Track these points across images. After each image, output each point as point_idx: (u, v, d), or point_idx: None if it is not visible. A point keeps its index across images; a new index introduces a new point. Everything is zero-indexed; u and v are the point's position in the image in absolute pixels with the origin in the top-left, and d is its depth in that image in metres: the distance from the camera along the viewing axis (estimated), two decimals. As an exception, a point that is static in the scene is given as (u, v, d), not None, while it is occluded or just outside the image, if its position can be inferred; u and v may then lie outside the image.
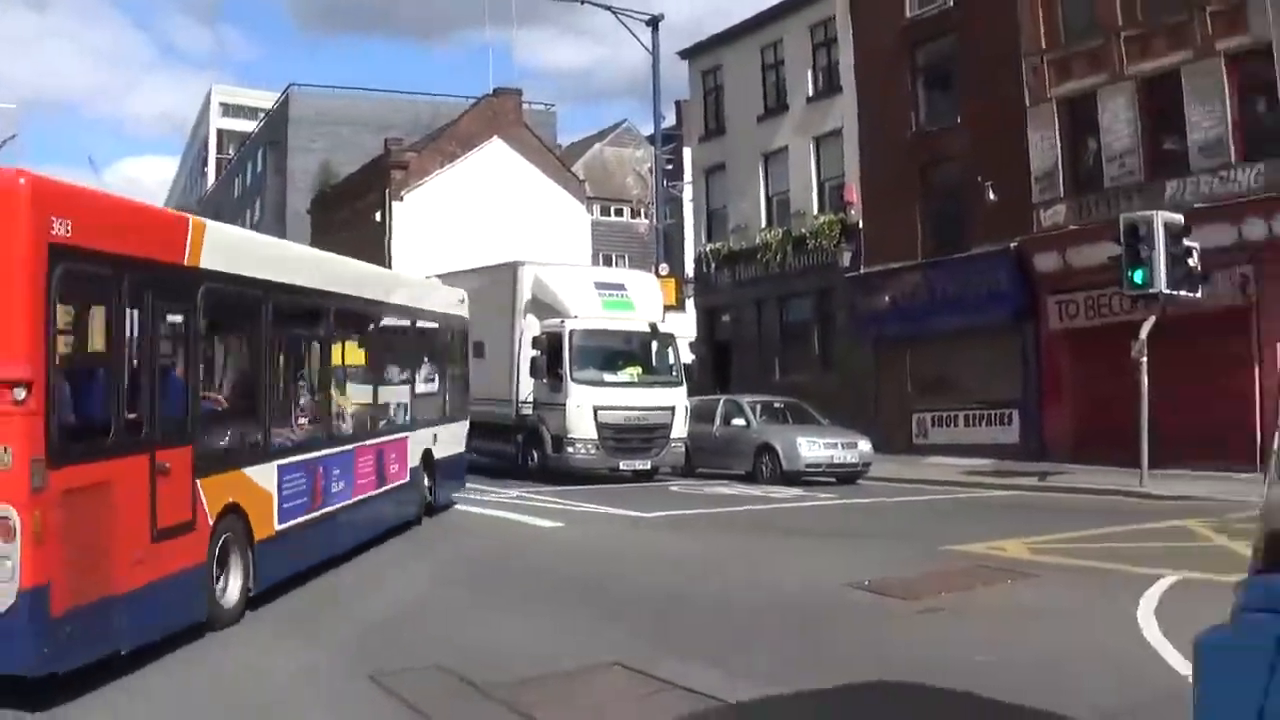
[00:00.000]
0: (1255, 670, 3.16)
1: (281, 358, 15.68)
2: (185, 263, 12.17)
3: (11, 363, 9.25)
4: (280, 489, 14.56)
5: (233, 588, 13.14)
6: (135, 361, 11.18)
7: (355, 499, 17.70)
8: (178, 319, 12.25)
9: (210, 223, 13.46)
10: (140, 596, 10.73)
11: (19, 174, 9.66)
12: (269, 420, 14.52)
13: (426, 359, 23.13)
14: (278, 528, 14.40)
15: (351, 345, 18.57)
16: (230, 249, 13.51)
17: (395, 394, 20.85)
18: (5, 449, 9.22)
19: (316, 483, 15.89)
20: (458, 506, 25.27)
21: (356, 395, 18.81)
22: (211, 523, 12.44)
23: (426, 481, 22.39)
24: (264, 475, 14.11)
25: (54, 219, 9.61)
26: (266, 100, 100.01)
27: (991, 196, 37.15)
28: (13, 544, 9.17)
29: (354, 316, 18.55)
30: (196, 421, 12.31)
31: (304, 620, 13.78)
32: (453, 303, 25.40)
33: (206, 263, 12.54)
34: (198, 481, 12.08)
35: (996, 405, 38.59)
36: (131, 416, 10.96)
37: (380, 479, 19.06)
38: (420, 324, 22.40)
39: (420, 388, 22.17)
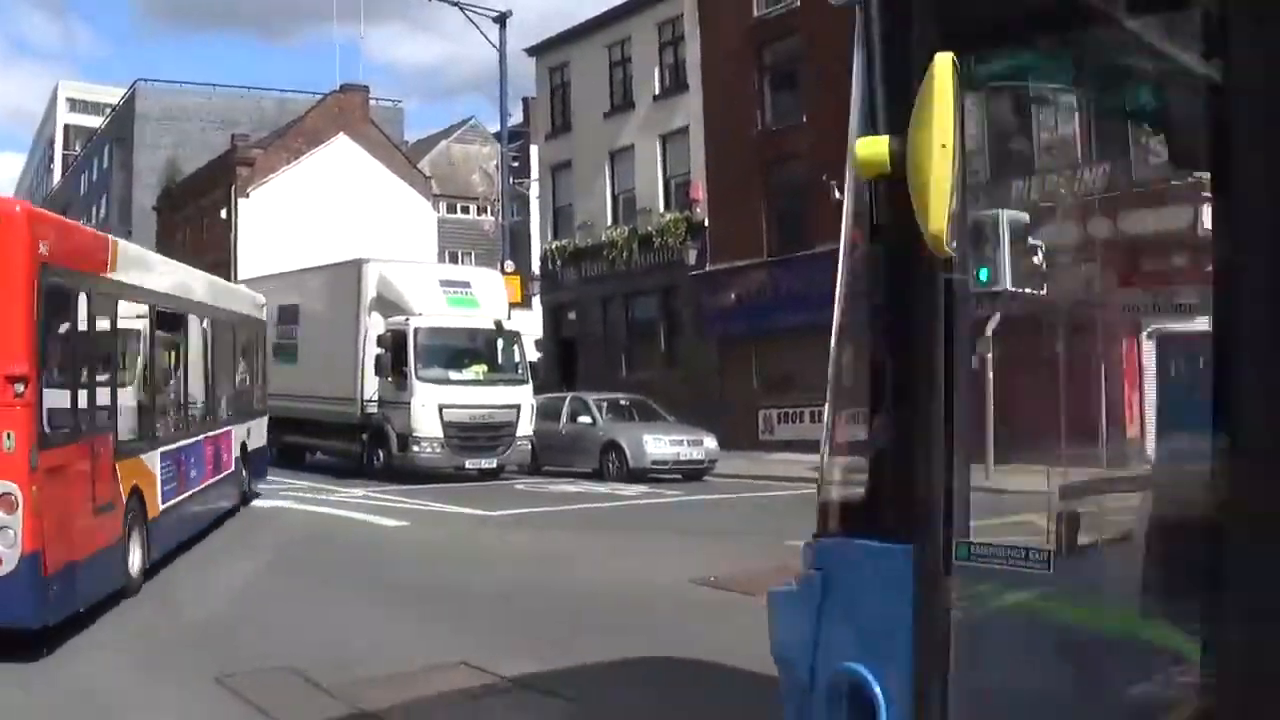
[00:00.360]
0: (809, 615, 3.95)
1: (157, 355, 17.11)
2: (109, 275, 14.22)
3: (15, 361, 11.15)
4: (161, 474, 16.31)
5: (135, 560, 14.70)
6: (82, 358, 13.00)
7: (203, 485, 19.42)
8: (105, 322, 14.04)
9: (120, 240, 15.82)
10: (89, 563, 12.57)
11: (15, 202, 12.05)
12: (154, 412, 16.46)
13: (242, 358, 24.56)
14: (160, 508, 16.11)
15: (198, 344, 19.96)
16: (130, 263, 15.45)
17: (224, 390, 22.21)
18: (9, 434, 11.06)
19: (181, 469, 17.68)
20: (302, 506, 25.19)
21: (202, 391, 20.16)
22: (124, 501, 14.17)
23: (243, 472, 23.64)
24: (153, 461, 15.90)
25: (40, 241, 11.58)
26: (114, 96, 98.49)
27: (837, 195, 37.38)
28: (15, 515, 11.03)
29: (201, 319, 20.16)
30: (115, 412, 14.10)
31: (157, 616, 13.76)
32: (258, 305, 27.23)
33: (119, 276, 14.61)
34: (116, 465, 13.84)
35: (842, 402, 38.86)
36: (81, 407, 12.76)
37: (217, 468, 20.78)
38: (239, 326, 23.96)
39: (238, 385, 23.82)
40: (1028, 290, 4.39)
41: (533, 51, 54.75)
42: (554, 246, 51.82)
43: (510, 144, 51.49)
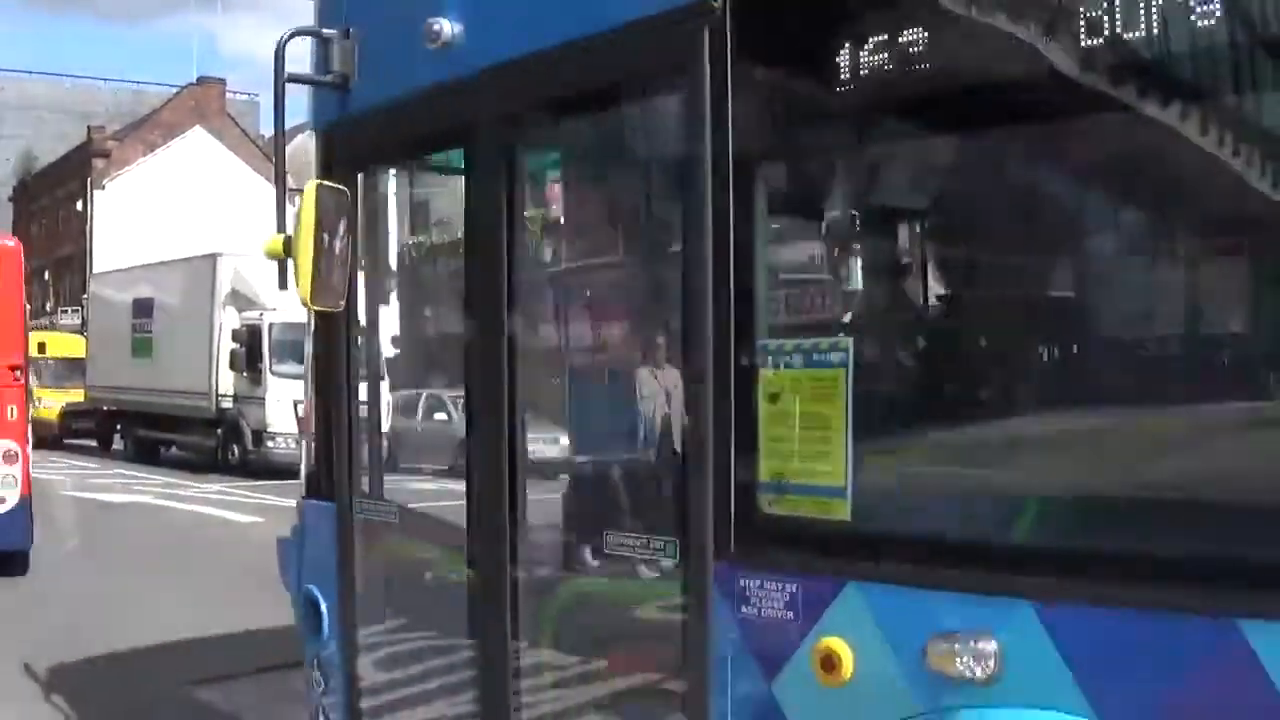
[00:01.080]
0: (295, 555, 6.35)
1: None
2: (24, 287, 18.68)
3: (15, 354, 15.99)
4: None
5: None
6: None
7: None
8: None
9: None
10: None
11: (8, 236, 18.16)
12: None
13: None
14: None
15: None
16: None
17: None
18: (12, 408, 15.91)
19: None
20: (157, 502, 25.20)
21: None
22: None
23: None
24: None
25: (23, 264, 16.70)
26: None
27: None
28: (16, 465, 15.84)
29: None
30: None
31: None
32: None
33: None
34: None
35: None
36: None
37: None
38: None
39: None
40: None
41: (391, 46, 54.55)
42: (412, 242, 51.76)
43: (368, 140, 51.40)
